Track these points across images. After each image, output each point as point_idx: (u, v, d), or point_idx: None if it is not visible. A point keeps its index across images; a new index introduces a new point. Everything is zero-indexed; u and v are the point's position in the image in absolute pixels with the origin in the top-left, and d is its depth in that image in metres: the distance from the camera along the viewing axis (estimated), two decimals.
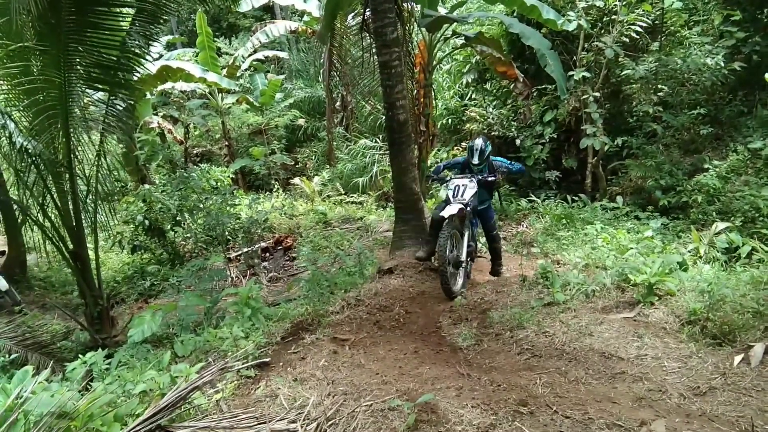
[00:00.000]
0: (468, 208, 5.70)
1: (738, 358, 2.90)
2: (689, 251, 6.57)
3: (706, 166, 8.85)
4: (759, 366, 2.79)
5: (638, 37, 9.74)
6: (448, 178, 6.16)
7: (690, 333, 3.32)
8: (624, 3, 9.70)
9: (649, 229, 7.07)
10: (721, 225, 6.94)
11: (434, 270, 6.22)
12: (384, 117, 8.07)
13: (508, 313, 4.24)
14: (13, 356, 5.19)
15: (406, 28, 7.84)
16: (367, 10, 6.91)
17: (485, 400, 2.92)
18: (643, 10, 9.70)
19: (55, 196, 6.52)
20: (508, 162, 6.33)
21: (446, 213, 5.50)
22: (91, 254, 6.89)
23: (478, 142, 6.04)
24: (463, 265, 5.69)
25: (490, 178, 5.94)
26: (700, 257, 6.28)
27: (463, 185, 5.77)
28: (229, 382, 3.59)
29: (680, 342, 3.26)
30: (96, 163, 6.73)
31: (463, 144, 12.72)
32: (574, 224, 8.56)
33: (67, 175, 6.45)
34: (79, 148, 6.61)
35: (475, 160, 5.96)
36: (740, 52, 9.40)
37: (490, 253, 6.67)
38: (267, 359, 3.85)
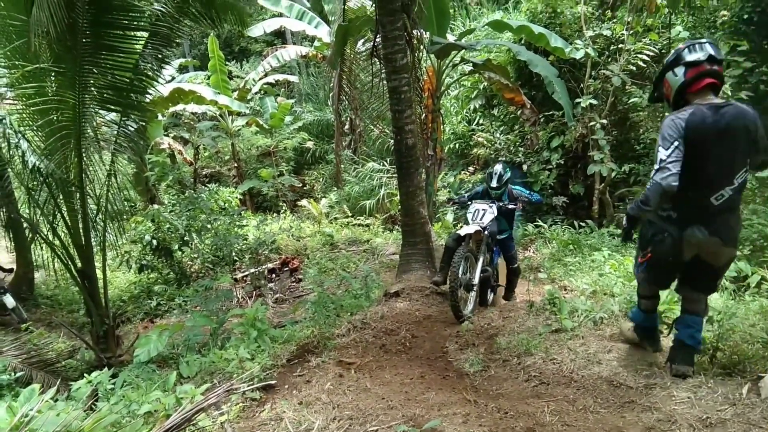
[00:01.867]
0: (486, 232, 5.71)
1: (746, 389, 2.88)
2: None
3: None
4: None
5: (645, 65, 9.82)
6: (469, 202, 6.19)
7: (699, 362, 3.29)
8: (631, 32, 9.80)
9: None
10: None
11: (442, 294, 6.21)
12: (392, 141, 8.15)
13: (516, 339, 4.22)
14: (18, 374, 5.18)
15: (416, 54, 7.94)
16: (378, 36, 7.00)
17: (492, 428, 2.89)
18: (650, 40, 9.81)
19: (66, 214, 6.58)
20: (528, 192, 6.32)
21: (463, 232, 5.54)
22: (99, 273, 6.92)
23: (498, 167, 6.10)
24: (475, 288, 5.66)
25: (510, 206, 5.95)
26: None
27: (483, 210, 5.80)
28: (235, 404, 3.58)
29: None
30: (107, 182, 6.80)
31: (470, 168, 12.79)
32: (581, 250, 8.53)
33: (78, 195, 6.52)
34: (91, 168, 6.68)
35: (494, 184, 6.00)
36: (747, 82, 9.45)
37: (506, 281, 6.64)
38: (272, 382, 3.83)
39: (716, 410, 2.77)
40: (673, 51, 3.20)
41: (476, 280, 5.64)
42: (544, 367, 3.66)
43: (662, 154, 2.93)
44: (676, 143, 2.92)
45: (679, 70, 3.08)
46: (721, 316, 3.51)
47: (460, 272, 5.29)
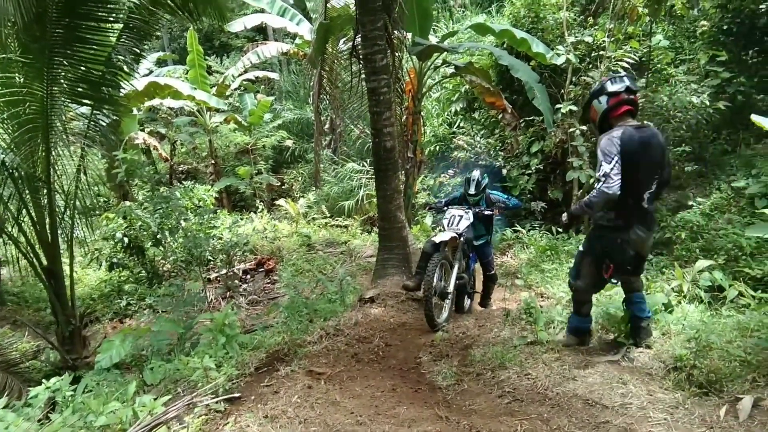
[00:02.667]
0: (462, 239, 5.65)
1: (724, 410, 2.82)
2: (672, 288, 6.53)
3: (690, 202, 8.90)
4: (747, 420, 2.70)
5: (625, 73, 9.84)
6: (445, 208, 6.12)
7: (676, 380, 3.23)
8: (612, 39, 9.82)
9: None
10: (704, 263, 6.92)
11: (417, 300, 6.12)
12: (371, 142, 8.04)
13: (491, 351, 4.13)
14: None
15: (397, 55, 7.84)
16: (358, 36, 6.89)
17: None
18: (631, 47, 9.84)
19: (32, 210, 6.35)
20: (506, 196, 6.27)
21: (438, 239, 5.46)
22: (67, 270, 6.70)
23: (476, 173, 6.02)
24: (450, 297, 5.58)
25: (487, 212, 5.88)
26: (684, 296, 6.24)
27: (459, 216, 5.74)
28: (197, 416, 3.43)
29: (666, 390, 3.16)
30: (76, 178, 6.58)
31: (450, 171, 12.74)
32: (558, 256, 8.52)
33: (45, 190, 6.30)
34: (59, 163, 6.46)
35: (472, 190, 5.93)
36: (725, 92, 9.55)
37: (482, 287, 6.62)
38: (237, 395, 3.69)
39: None
40: (597, 83, 3.81)
41: (451, 288, 5.56)
42: (518, 383, 3.57)
43: (606, 167, 3.44)
44: (616, 158, 3.44)
45: (603, 99, 3.65)
46: (699, 333, 3.45)
47: (435, 280, 5.20)
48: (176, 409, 2.96)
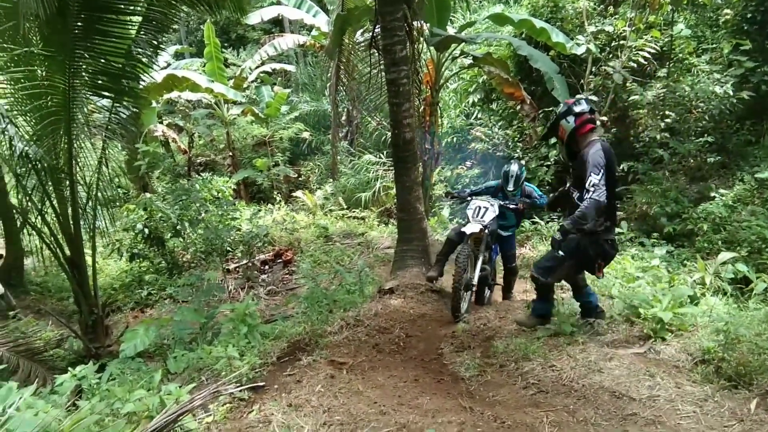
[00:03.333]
0: (486, 231, 5.58)
1: (754, 404, 2.78)
2: (695, 280, 6.46)
3: (712, 194, 8.77)
4: None
5: (646, 63, 9.70)
6: (469, 198, 5.98)
7: (704, 373, 3.19)
8: (633, 29, 9.68)
9: (656, 257, 6.94)
10: (727, 255, 6.83)
11: (436, 292, 6.11)
12: (389, 134, 8.00)
13: (513, 342, 4.11)
14: (2, 366, 5.04)
15: (415, 46, 7.78)
16: (377, 27, 6.85)
17: None
18: (652, 37, 9.69)
19: (55, 202, 6.43)
20: (539, 192, 6.09)
21: (467, 230, 5.42)
22: (89, 261, 6.78)
23: (514, 168, 5.85)
24: (473, 288, 5.54)
25: (511, 206, 5.77)
26: (707, 288, 6.17)
27: (484, 207, 5.62)
28: (221, 404, 3.46)
29: (694, 383, 3.12)
30: (97, 170, 6.65)
31: (468, 163, 12.67)
32: None
33: (68, 182, 6.38)
34: (81, 155, 6.54)
35: (510, 187, 5.80)
36: (749, 82, 9.37)
37: (504, 281, 6.53)
38: (262, 384, 3.71)
39: (723, 426, 2.67)
40: (563, 104, 4.27)
41: (476, 280, 5.51)
42: (542, 374, 3.55)
43: (594, 179, 3.83)
44: (603, 169, 3.85)
45: (571, 119, 4.12)
46: (728, 325, 3.40)
47: (463, 270, 5.17)
48: (202, 398, 2.98)
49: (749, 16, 9.51)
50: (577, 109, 4.11)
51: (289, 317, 5.81)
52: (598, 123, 4.18)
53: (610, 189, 3.90)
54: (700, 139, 9.44)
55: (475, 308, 5.71)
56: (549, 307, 4.51)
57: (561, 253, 4.11)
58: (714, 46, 10.58)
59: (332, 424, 3.06)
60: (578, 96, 4.25)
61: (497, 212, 5.64)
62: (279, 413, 3.25)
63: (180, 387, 3.52)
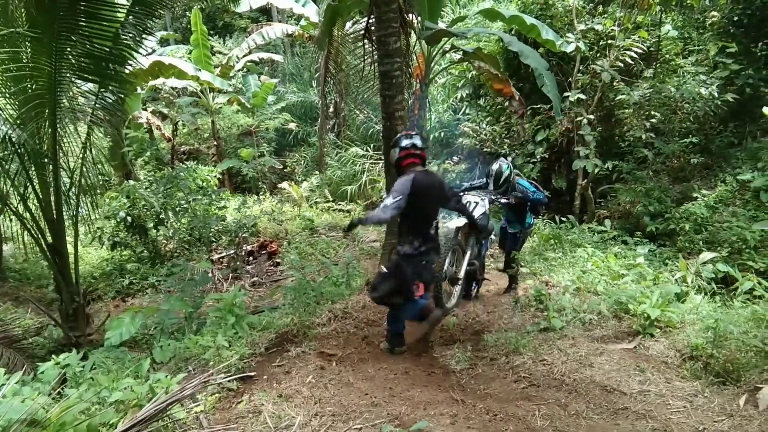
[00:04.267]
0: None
1: (743, 400, 2.83)
2: (676, 279, 6.55)
3: (694, 194, 8.90)
4: (767, 410, 2.71)
5: (633, 62, 9.79)
6: (461, 193, 5.94)
7: (693, 369, 3.24)
8: (621, 28, 9.75)
9: (640, 256, 7.02)
10: (708, 255, 6.94)
11: None
12: (377, 126, 7.96)
13: (503, 336, 4.13)
14: None
15: (408, 39, 7.75)
16: (371, 18, 6.80)
17: (481, 431, 2.80)
18: (640, 37, 9.77)
19: (37, 187, 6.30)
20: (532, 188, 6.02)
21: (453, 224, 5.41)
22: (70, 249, 6.66)
23: (494, 167, 5.82)
24: (460, 282, 5.55)
25: (502, 200, 5.77)
26: (690, 286, 6.25)
27: (474, 202, 5.65)
28: (210, 394, 3.43)
29: (683, 378, 3.17)
30: (81, 155, 6.53)
31: (455, 158, 12.69)
32: (562, 245, 8.51)
33: (51, 167, 6.24)
34: (65, 140, 6.41)
35: (491, 187, 5.80)
36: (733, 84, 9.50)
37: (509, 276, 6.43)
38: (252, 373, 3.68)
39: (713, 421, 2.71)
40: (399, 135, 4.62)
41: (462, 274, 5.51)
42: (533, 368, 3.57)
43: (388, 200, 4.11)
44: (402, 196, 4.09)
45: (396, 150, 4.45)
46: (717, 322, 3.45)
47: (447, 264, 5.17)
48: (192, 387, 2.95)
49: (735, 19, 9.64)
50: (403, 143, 4.43)
51: (276, 308, 5.77)
52: (427, 156, 4.56)
53: (416, 215, 4.26)
54: (685, 139, 9.57)
55: (461, 303, 5.71)
56: (399, 327, 4.46)
57: (385, 269, 4.46)
58: (700, 47, 10.72)
59: (324, 415, 3.05)
60: (411, 132, 4.57)
61: (487, 208, 5.67)
62: (269, 403, 3.23)
63: (168, 376, 3.48)
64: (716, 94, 9.05)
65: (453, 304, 5.36)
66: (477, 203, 5.65)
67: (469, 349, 4.13)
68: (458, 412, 3.04)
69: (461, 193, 5.99)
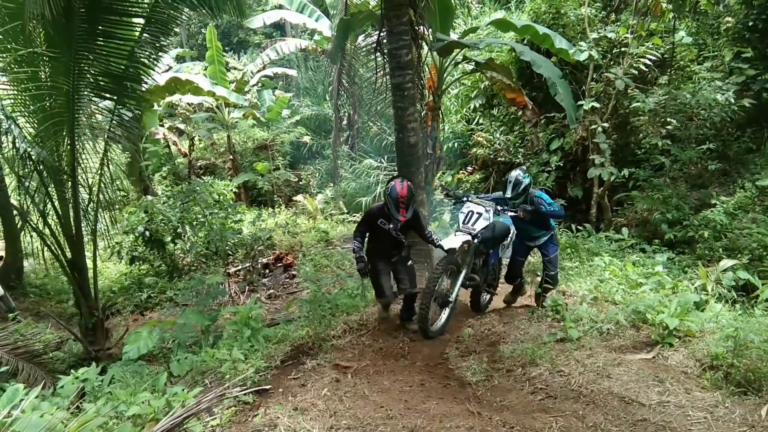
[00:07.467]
0: (476, 241, 5.08)
1: (765, 410, 2.77)
2: (696, 287, 6.45)
3: (713, 201, 8.77)
4: None
5: (647, 70, 9.72)
6: (465, 199, 5.52)
7: (713, 379, 3.18)
8: (634, 36, 9.70)
9: (659, 264, 6.93)
10: (728, 262, 6.83)
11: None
12: (391, 138, 7.99)
13: (520, 347, 4.09)
14: (3, 369, 5.01)
15: (420, 51, 7.80)
16: (383, 31, 6.85)
17: None
18: (653, 44, 9.70)
19: (56, 203, 6.42)
20: (548, 201, 5.50)
21: (447, 245, 4.93)
22: (89, 263, 6.76)
23: (513, 174, 5.38)
24: (451, 306, 5.08)
25: (510, 213, 5.27)
26: (710, 295, 6.15)
27: (477, 213, 5.11)
28: (226, 408, 3.44)
29: (703, 389, 3.11)
30: (99, 171, 6.64)
31: (469, 168, 12.67)
32: (579, 254, 8.44)
33: (70, 183, 6.36)
34: (83, 156, 6.53)
35: (508, 194, 5.30)
36: (750, 89, 9.38)
37: (541, 287, 5.75)
38: (267, 386, 3.69)
39: None
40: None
41: (453, 296, 5.06)
42: (550, 380, 3.53)
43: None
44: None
45: None
46: (737, 331, 3.38)
47: (436, 285, 4.75)
48: (208, 401, 2.96)
49: (750, 23, 9.53)
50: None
51: (292, 321, 5.78)
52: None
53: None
54: (701, 146, 9.45)
55: (476, 315, 5.58)
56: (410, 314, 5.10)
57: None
58: (715, 53, 10.60)
59: (339, 428, 3.04)
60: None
61: (491, 219, 5.15)
62: (285, 417, 3.22)
63: (183, 390, 3.50)
64: (732, 100, 8.93)
65: (438, 328, 4.99)
66: (480, 214, 5.14)
67: (485, 361, 4.09)
68: (474, 425, 3.01)
69: (464, 199, 5.52)
